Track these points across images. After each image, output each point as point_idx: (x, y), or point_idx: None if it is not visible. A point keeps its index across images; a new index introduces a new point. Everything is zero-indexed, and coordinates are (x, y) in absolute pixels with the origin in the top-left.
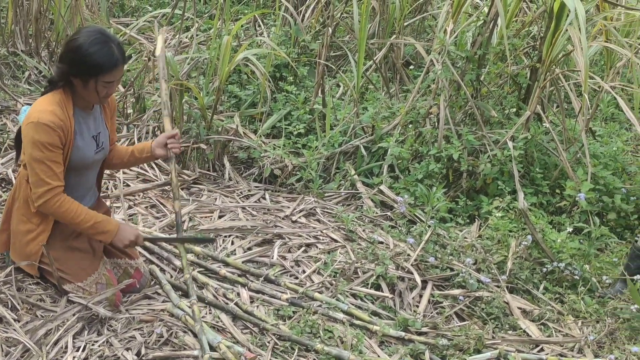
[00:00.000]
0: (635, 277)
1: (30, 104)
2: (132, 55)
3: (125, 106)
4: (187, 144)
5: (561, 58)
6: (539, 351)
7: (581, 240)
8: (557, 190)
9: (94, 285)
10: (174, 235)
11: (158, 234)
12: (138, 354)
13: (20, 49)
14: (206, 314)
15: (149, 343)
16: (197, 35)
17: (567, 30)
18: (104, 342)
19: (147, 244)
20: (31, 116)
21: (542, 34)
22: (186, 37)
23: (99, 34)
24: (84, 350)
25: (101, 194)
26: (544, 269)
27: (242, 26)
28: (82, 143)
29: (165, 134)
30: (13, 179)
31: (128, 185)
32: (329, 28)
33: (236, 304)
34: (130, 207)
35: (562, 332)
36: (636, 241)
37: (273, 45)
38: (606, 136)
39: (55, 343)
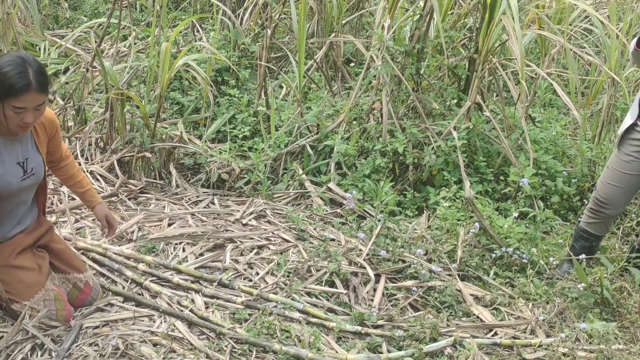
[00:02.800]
0: (580, 257)
1: None
2: (70, 67)
3: (65, 119)
4: (131, 154)
5: (497, 48)
6: (493, 335)
7: (527, 225)
8: (502, 177)
9: (42, 302)
10: None
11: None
12: None
13: None
14: (161, 322)
15: (104, 356)
16: (135, 43)
17: (501, 20)
18: None
19: (97, 256)
20: None
21: (477, 25)
22: (124, 46)
23: (19, 58)
24: None
25: (46, 209)
26: (493, 255)
27: (180, 32)
28: (3, 171)
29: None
30: None
31: (73, 199)
32: (268, 30)
33: (191, 310)
34: (77, 221)
35: (514, 315)
36: (579, 222)
37: (213, 49)
38: (545, 122)
39: None
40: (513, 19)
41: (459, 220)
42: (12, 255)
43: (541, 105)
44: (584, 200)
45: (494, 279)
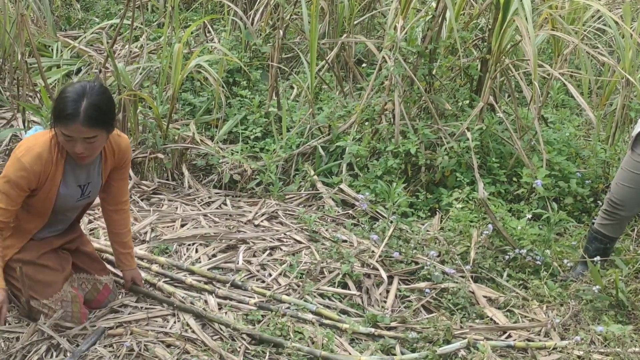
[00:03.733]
0: (594, 259)
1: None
2: (82, 68)
3: None
4: (144, 155)
5: (510, 48)
6: (506, 337)
7: (540, 226)
8: (514, 179)
9: (59, 303)
10: None
11: None
12: None
13: None
14: (174, 322)
15: (118, 357)
16: (147, 44)
17: (514, 20)
18: None
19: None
20: (20, 146)
21: (490, 26)
22: (136, 47)
23: (82, 87)
24: None
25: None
26: (507, 257)
27: (192, 33)
28: (64, 191)
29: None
30: None
31: None
32: (280, 30)
33: (204, 311)
34: (90, 222)
35: (527, 318)
36: (593, 223)
37: (225, 50)
38: (558, 122)
39: None
40: (526, 19)
41: (471, 221)
42: (39, 253)
43: (554, 106)
44: (598, 201)
45: (507, 281)
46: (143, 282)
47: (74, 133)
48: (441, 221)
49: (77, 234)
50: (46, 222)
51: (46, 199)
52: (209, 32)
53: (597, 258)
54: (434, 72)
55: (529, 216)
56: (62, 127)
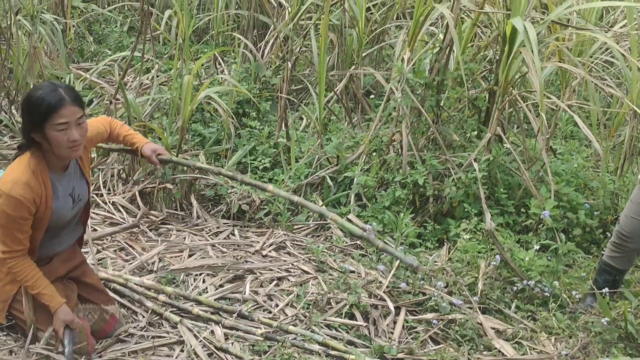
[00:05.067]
0: (603, 291)
1: None
2: (94, 99)
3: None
4: (153, 185)
5: (517, 80)
6: None
7: (549, 257)
8: (522, 210)
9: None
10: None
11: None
12: None
13: None
14: (181, 351)
15: None
16: (157, 76)
17: (520, 52)
18: None
19: (118, 287)
20: (5, 183)
21: (497, 58)
22: (147, 79)
23: (46, 82)
24: None
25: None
26: (515, 288)
27: (202, 65)
28: (57, 204)
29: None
30: None
31: (95, 230)
32: (289, 62)
33: (210, 342)
34: (98, 252)
35: (536, 350)
36: (602, 255)
37: (234, 82)
38: (567, 154)
39: None
40: (532, 51)
41: (479, 252)
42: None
43: (562, 137)
44: (607, 233)
45: (515, 312)
46: (163, 150)
47: (68, 115)
48: (449, 252)
49: (81, 260)
50: (50, 234)
51: (43, 216)
52: (220, 64)
53: (606, 290)
54: (441, 103)
55: (537, 247)
56: (55, 117)
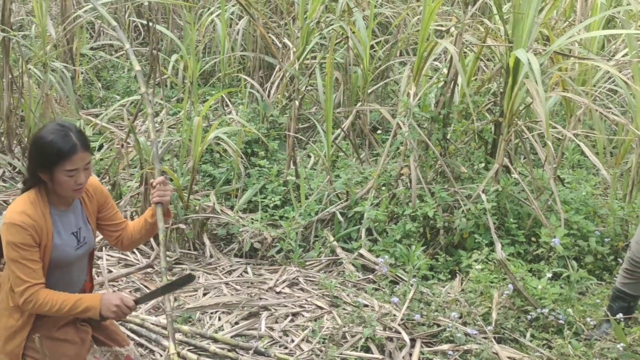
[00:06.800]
0: (618, 317)
1: (5, 202)
2: (104, 144)
3: None
4: (166, 226)
5: (522, 110)
6: None
7: (562, 285)
8: (533, 239)
9: None
10: (155, 289)
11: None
12: None
13: None
14: None
15: None
16: (166, 119)
17: (524, 83)
18: None
19: (135, 327)
20: (6, 218)
21: (501, 89)
22: (156, 122)
23: (57, 125)
24: None
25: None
26: (529, 317)
27: (210, 107)
28: (60, 241)
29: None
30: None
31: (111, 271)
32: (296, 101)
33: None
34: (113, 292)
35: None
36: (615, 282)
37: (243, 122)
38: (575, 182)
39: None
40: (536, 82)
41: (492, 282)
42: (55, 327)
43: (570, 166)
44: (619, 259)
45: (530, 341)
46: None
47: (78, 163)
48: (462, 283)
49: None
50: (51, 280)
51: (44, 254)
52: (227, 105)
53: (621, 315)
54: (448, 136)
55: (549, 275)
56: (66, 164)
